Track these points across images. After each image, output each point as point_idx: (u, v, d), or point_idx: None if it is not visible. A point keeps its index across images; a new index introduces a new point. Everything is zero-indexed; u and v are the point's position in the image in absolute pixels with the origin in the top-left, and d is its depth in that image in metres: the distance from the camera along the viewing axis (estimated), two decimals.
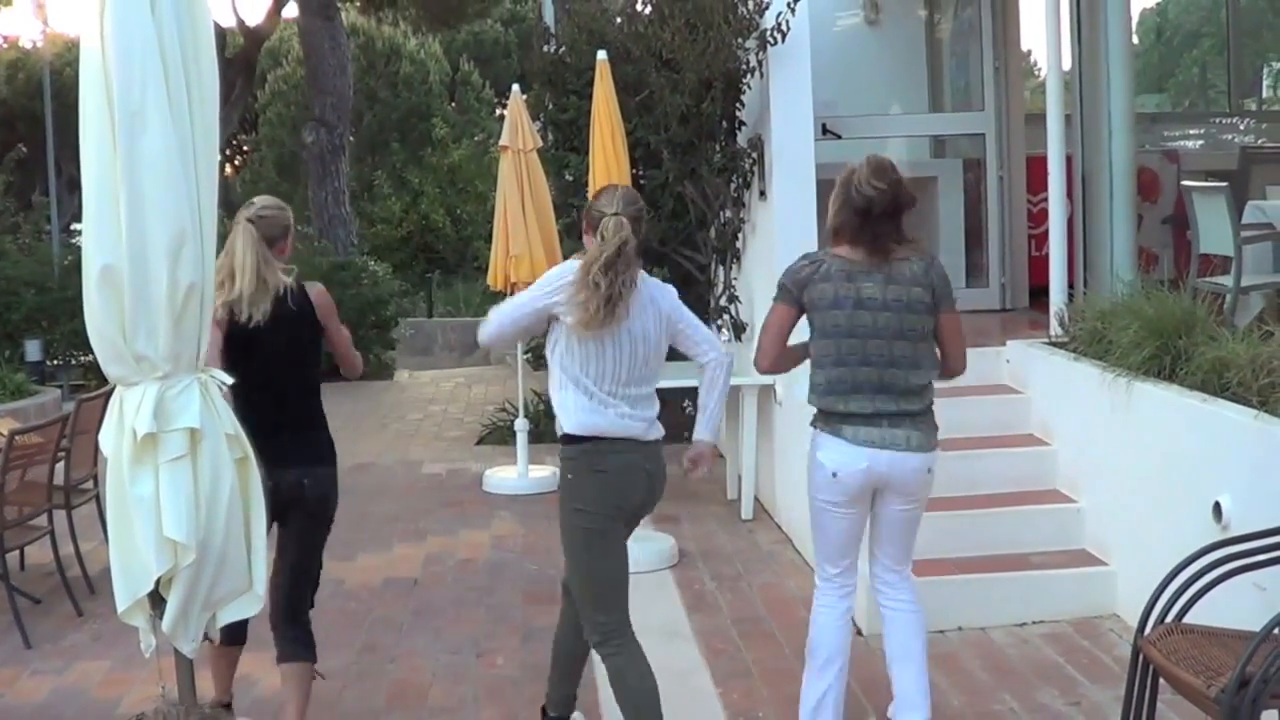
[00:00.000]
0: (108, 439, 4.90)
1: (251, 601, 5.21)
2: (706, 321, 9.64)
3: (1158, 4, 22.84)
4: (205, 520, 4.86)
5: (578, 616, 5.87)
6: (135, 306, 4.68)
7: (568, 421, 5.60)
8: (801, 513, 8.89)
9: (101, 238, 4.70)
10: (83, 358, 17.77)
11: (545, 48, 12.57)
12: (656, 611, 6.32)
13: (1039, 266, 11.36)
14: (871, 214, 5.63)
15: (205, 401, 4.88)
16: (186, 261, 4.71)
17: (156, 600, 4.96)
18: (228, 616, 5.17)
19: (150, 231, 4.66)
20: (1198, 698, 4.94)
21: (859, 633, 6.43)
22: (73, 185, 17.55)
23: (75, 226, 24.16)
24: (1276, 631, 4.99)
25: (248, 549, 5.13)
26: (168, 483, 4.79)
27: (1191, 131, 15.85)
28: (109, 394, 5.03)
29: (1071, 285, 9.78)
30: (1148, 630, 5.35)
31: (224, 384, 5.04)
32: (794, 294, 5.78)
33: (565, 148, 12.15)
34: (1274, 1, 17.59)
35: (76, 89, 4.75)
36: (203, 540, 4.85)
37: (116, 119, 4.63)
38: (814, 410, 5.86)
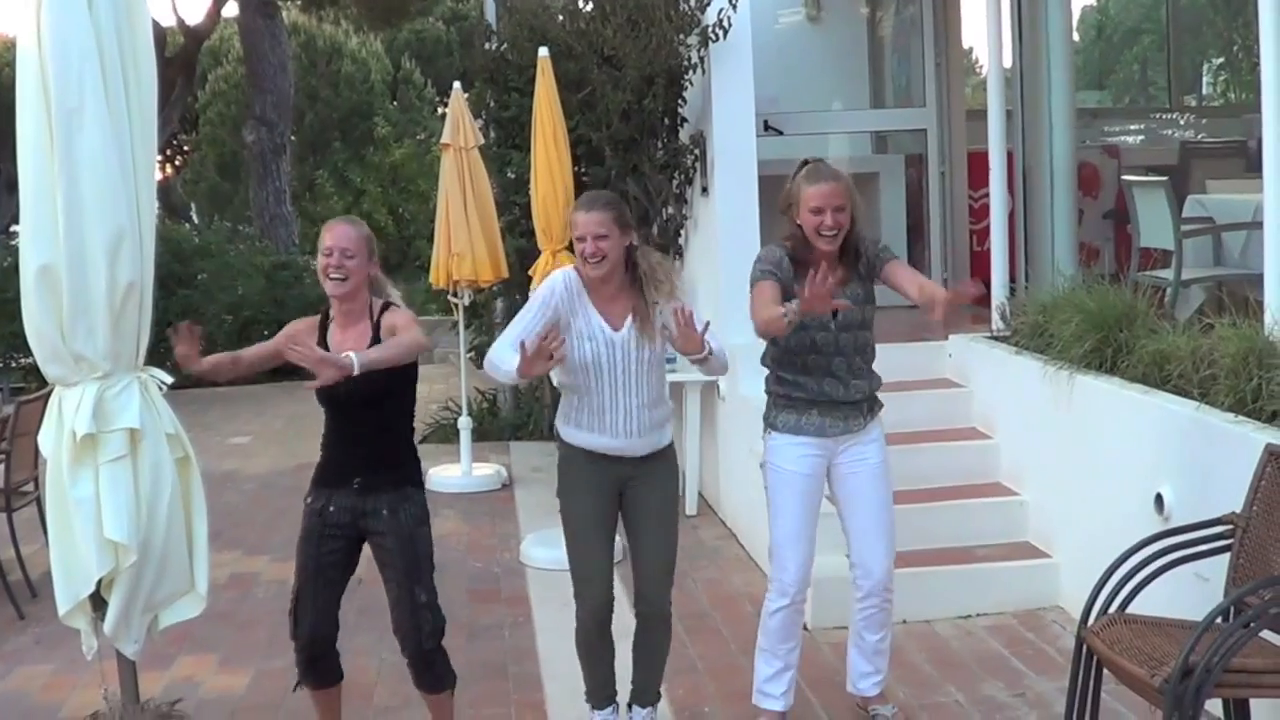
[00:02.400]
0: (47, 440, 4.87)
1: (194, 602, 5.19)
2: None
3: (1098, 1, 22.93)
4: (146, 521, 4.84)
5: (605, 618, 5.91)
6: (74, 306, 4.66)
7: None
8: (746, 508, 8.92)
9: (39, 237, 4.67)
10: (22, 360, 17.62)
11: (487, 45, 12.52)
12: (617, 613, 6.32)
13: (981, 261, 11.40)
14: None
15: (145, 401, 4.86)
16: (125, 260, 4.69)
17: (98, 602, 4.94)
18: (170, 618, 5.15)
19: (88, 230, 4.63)
20: (1141, 687, 4.97)
21: (805, 627, 6.43)
22: (11, 186, 17.40)
23: (14, 229, 23.97)
24: (1219, 621, 5.03)
25: (189, 549, 5.10)
26: (108, 483, 4.76)
27: (1132, 127, 15.96)
28: (49, 395, 4.99)
29: (1013, 280, 9.83)
30: (1091, 621, 5.38)
31: (163, 383, 5.01)
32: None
33: (507, 145, 12.10)
34: None
35: (13, 89, 4.71)
36: (144, 541, 4.83)
37: (54, 118, 4.61)
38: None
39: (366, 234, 5.66)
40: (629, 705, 6.10)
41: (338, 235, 5.54)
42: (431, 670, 5.78)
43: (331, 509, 5.65)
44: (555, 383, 5.99)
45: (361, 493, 5.64)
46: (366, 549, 5.78)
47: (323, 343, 5.55)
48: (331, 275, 5.52)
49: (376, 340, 5.55)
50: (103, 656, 5.13)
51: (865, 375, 6.01)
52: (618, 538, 6.01)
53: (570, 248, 5.82)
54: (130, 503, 4.79)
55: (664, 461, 5.96)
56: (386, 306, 5.69)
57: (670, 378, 9.77)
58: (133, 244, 4.72)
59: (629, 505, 5.90)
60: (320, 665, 5.79)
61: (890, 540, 6.13)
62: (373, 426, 5.65)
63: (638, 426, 5.75)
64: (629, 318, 5.68)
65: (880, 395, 6.17)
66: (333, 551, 5.69)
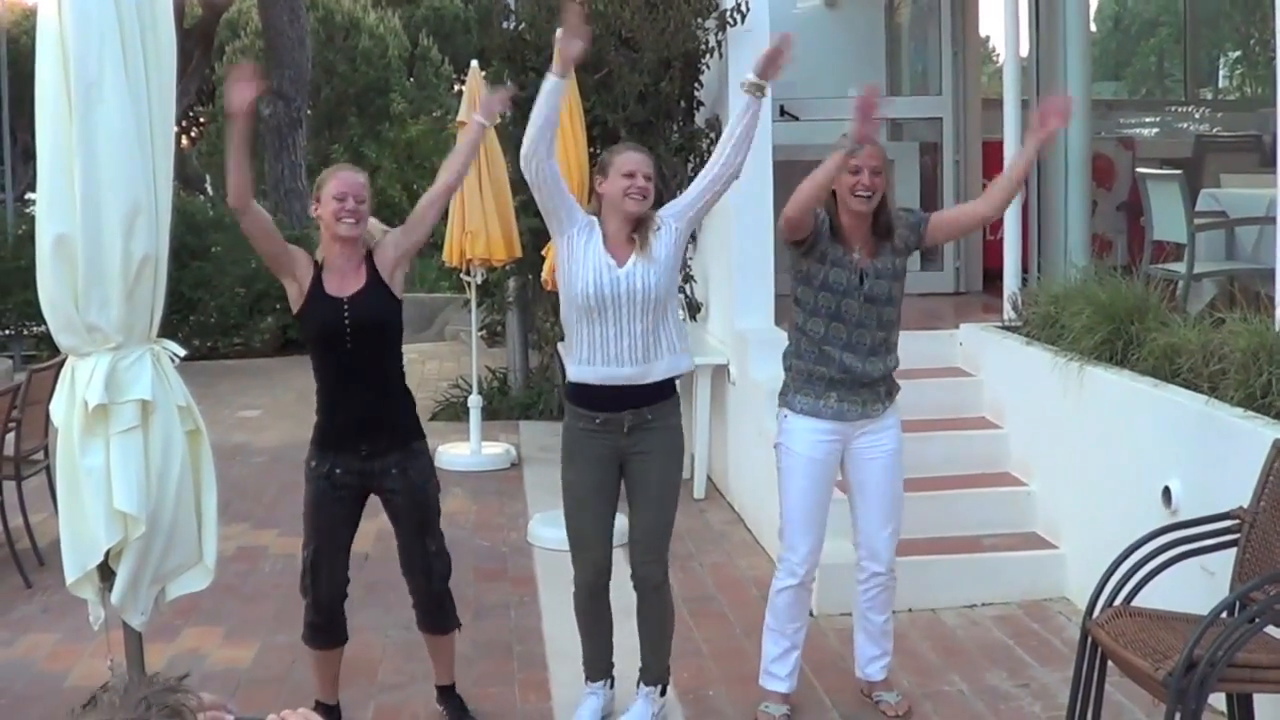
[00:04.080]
0: (58, 409, 4.89)
1: (201, 574, 5.21)
2: None
3: None
4: (156, 492, 4.85)
5: (599, 583, 6.05)
6: (88, 277, 4.67)
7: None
8: (754, 493, 8.93)
9: (55, 208, 4.68)
10: (35, 328, 17.61)
11: (505, 24, 12.52)
12: (616, 590, 6.34)
13: (993, 250, 11.40)
14: None
15: (157, 373, 4.87)
16: (140, 233, 4.70)
17: (106, 573, 4.95)
18: (177, 590, 5.16)
19: (105, 202, 4.64)
20: (1145, 680, 4.98)
21: (811, 613, 6.45)
22: (28, 154, 17.42)
23: (30, 196, 23.97)
24: (1224, 615, 5.04)
25: (198, 522, 5.12)
26: (118, 454, 4.77)
27: (1147, 119, 15.93)
28: (61, 364, 5.00)
29: (1025, 270, 9.83)
30: (1096, 613, 5.39)
31: (175, 355, 5.02)
32: None
33: (523, 125, 12.01)
34: None
35: (33, 57, 4.72)
36: (153, 513, 4.84)
37: (73, 90, 4.61)
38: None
39: (365, 178, 5.87)
40: (637, 684, 6.13)
41: (348, 182, 5.71)
42: (441, 609, 6.06)
43: (339, 471, 5.78)
44: (562, 317, 6.03)
45: (368, 458, 5.77)
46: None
47: (319, 293, 5.69)
48: (344, 219, 5.66)
49: (376, 279, 5.75)
50: (109, 627, 5.14)
51: (883, 354, 6.01)
52: (620, 515, 6.04)
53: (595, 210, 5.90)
54: (140, 474, 4.80)
55: (665, 435, 5.97)
56: (368, 250, 5.85)
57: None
58: (149, 217, 4.73)
59: (630, 478, 5.97)
60: (334, 625, 5.98)
61: (896, 524, 6.17)
62: (375, 370, 5.79)
63: (644, 353, 5.81)
64: (632, 255, 5.78)
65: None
66: (343, 513, 5.86)
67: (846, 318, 5.90)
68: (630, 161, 5.80)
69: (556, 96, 5.74)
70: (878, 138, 5.97)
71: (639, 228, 5.80)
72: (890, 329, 6.04)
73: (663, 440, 5.95)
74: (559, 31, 5.70)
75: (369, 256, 5.80)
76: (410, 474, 5.84)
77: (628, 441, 5.86)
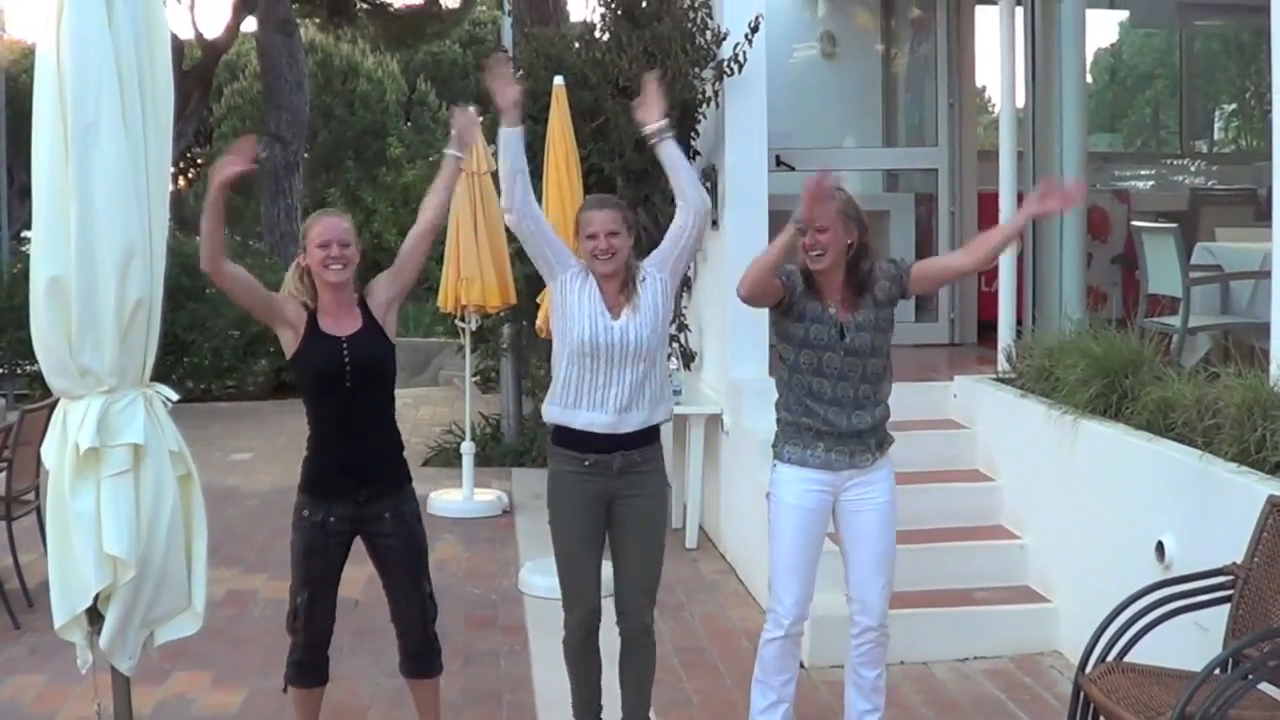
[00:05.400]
0: (50, 452, 4.87)
1: (190, 620, 5.18)
2: None
3: (1113, 44, 22.98)
4: (146, 537, 4.83)
5: (591, 626, 6.03)
6: (82, 319, 4.66)
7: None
8: (746, 543, 8.91)
9: (50, 249, 4.68)
10: (28, 367, 17.58)
11: None
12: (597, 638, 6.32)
13: (988, 302, 11.41)
14: None
15: (150, 417, 4.86)
16: (135, 276, 4.69)
17: (95, 616, 4.93)
18: (166, 635, 5.14)
19: (100, 245, 4.64)
20: None
21: (801, 665, 6.42)
22: (24, 193, 17.41)
23: (26, 234, 23.97)
24: (1217, 672, 5.02)
25: (188, 567, 5.10)
26: (109, 498, 4.76)
27: (1143, 172, 15.97)
28: (54, 405, 4.99)
29: (1020, 322, 9.83)
30: (1089, 668, 5.37)
31: (168, 399, 5.01)
32: None
33: None
34: (1227, 45, 17.75)
35: (32, 96, 4.72)
36: (143, 557, 4.83)
37: (70, 131, 4.62)
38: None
39: (350, 222, 5.83)
40: None
41: (332, 228, 5.67)
42: (430, 650, 6.02)
43: (332, 519, 5.73)
44: (554, 359, 6.04)
45: (364, 503, 5.75)
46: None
47: (316, 333, 5.66)
48: (331, 265, 5.61)
49: (371, 320, 5.74)
50: (97, 670, 5.12)
51: (870, 407, 5.94)
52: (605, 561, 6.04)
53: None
54: (131, 518, 4.79)
55: (652, 479, 5.99)
56: (360, 291, 5.83)
57: (675, 410, 9.80)
58: (143, 260, 4.72)
59: (618, 522, 5.96)
60: (321, 664, 5.95)
61: (889, 577, 6.09)
62: (373, 413, 5.78)
63: (628, 402, 5.81)
64: (626, 308, 5.80)
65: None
66: (335, 559, 5.83)
67: (829, 372, 5.86)
68: (590, 223, 5.82)
69: (514, 146, 5.82)
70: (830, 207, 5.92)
71: (626, 280, 5.79)
72: (877, 381, 5.97)
73: (651, 483, 5.98)
74: (489, 81, 5.73)
75: (362, 300, 5.78)
76: (404, 517, 5.83)
77: (618, 484, 5.87)
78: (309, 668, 5.93)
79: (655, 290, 5.85)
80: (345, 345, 5.64)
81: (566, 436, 5.90)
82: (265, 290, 5.72)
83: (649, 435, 5.92)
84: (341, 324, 5.69)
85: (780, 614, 6.01)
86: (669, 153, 5.97)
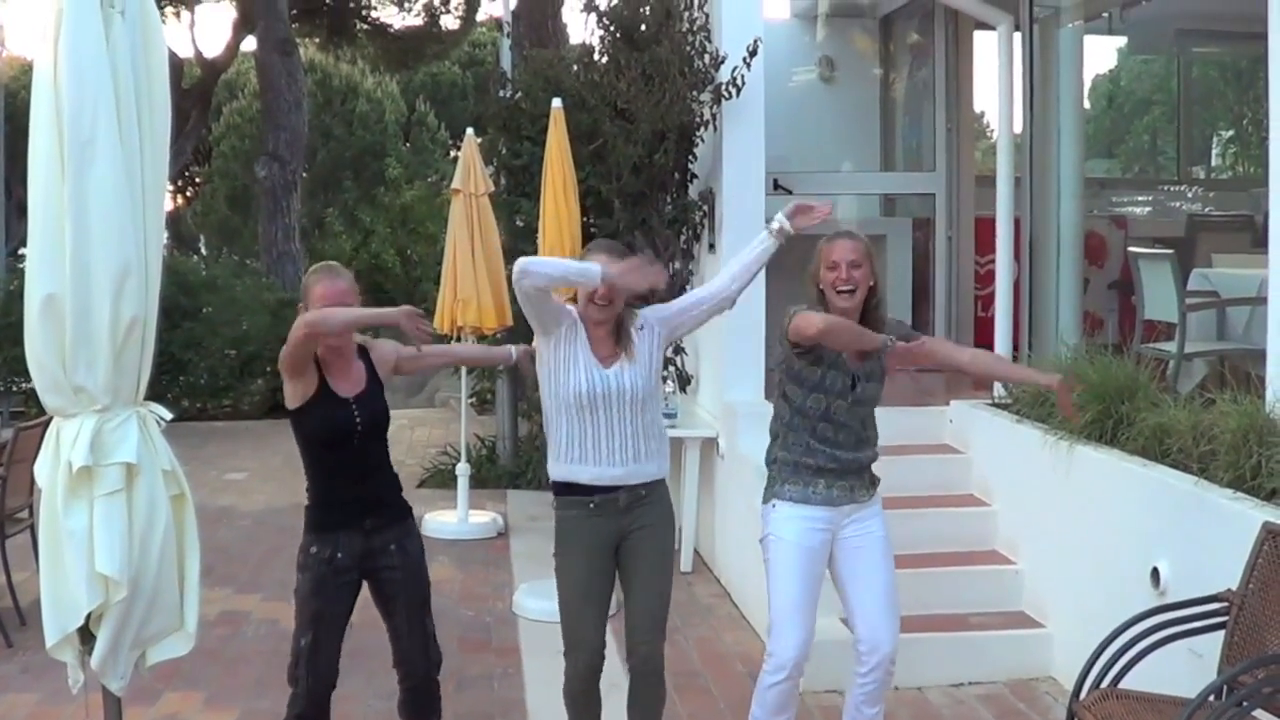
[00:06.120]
0: (43, 470, 4.85)
1: (183, 640, 5.15)
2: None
3: (1111, 70, 23.02)
4: (138, 556, 4.81)
5: (592, 679, 5.93)
6: (76, 338, 4.64)
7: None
8: (741, 567, 8.89)
9: (45, 267, 4.66)
10: (24, 384, 17.58)
11: (501, 92, 12.59)
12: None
13: (985, 327, 11.42)
14: None
15: (143, 436, 4.83)
16: (130, 294, 4.67)
17: (86, 636, 4.90)
18: (158, 655, 5.11)
19: (95, 263, 4.62)
20: None
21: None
22: (22, 209, 17.36)
23: (23, 251, 23.97)
24: (1211, 699, 5.01)
25: (180, 587, 5.07)
26: (102, 517, 4.73)
27: (1140, 198, 15.98)
28: (48, 423, 4.97)
29: (1016, 347, 9.83)
30: (1083, 694, 5.36)
31: (162, 418, 4.99)
32: None
33: (517, 193, 12.13)
34: (1225, 71, 17.77)
35: (29, 114, 4.71)
36: (135, 577, 4.80)
37: (66, 148, 4.60)
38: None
39: (351, 279, 5.79)
40: None
41: (335, 290, 5.64)
42: (432, 696, 5.94)
43: (340, 555, 5.70)
44: (545, 417, 6.01)
45: (370, 533, 5.72)
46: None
47: (329, 394, 5.67)
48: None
49: (374, 379, 5.76)
50: (88, 690, 5.09)
51: (866, 445, 5.98)
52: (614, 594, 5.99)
53: (574, 297, 5.86)
54: (123, 537, 4.76)
55: (660, 508, 5.93)
56: (360, 346, 5.86)
57: (671, 433, 9.77)
58: (138, 279, 4.71)
59: (625, 557, 5.87)
60: (322, 716, 5.88)
61: (897, 614, 6.00)
62: (376, 460, 5.79)
63: (633, 453, 5.77)
64: (619, 355, 5.76)
65: (881, 458, 6.12)
66: (345, 599, 5.79)
67: (834, 418, 5.84)
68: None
69: (573, 276, 5.69)
70: (855, 234, 5.93)
71: (620, 327, 5.78)
72: (869, 425, 6.01)
73: (659, 512, 5.91)
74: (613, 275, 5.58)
75: (363, 351, 5.83)
76: (409, 549, 5.81)
77: (626, 520, 5.80)
78: (309, 716, 5.85)
79: (651, 340, 5.82)
80: (354, 406, 5.68)
81: (570, 487, 5.86)
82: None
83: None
84: (348, 383, 5.72)
85: (784, 659, 5.89)
86: (761, 251, 5.89)
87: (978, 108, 14.16)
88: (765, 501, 6.04)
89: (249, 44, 26.44)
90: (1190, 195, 15.92)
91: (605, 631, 5.92)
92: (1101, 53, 21.71)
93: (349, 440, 5.66)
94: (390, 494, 5.85)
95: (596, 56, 11.49)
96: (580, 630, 5.86)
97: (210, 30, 78.08)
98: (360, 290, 5.80)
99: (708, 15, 10.55)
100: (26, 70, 28.49)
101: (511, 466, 13.60)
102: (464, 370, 12.00)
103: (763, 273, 8.46)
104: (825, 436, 5.85)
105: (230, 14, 28.05)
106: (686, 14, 10.67)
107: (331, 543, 5.69)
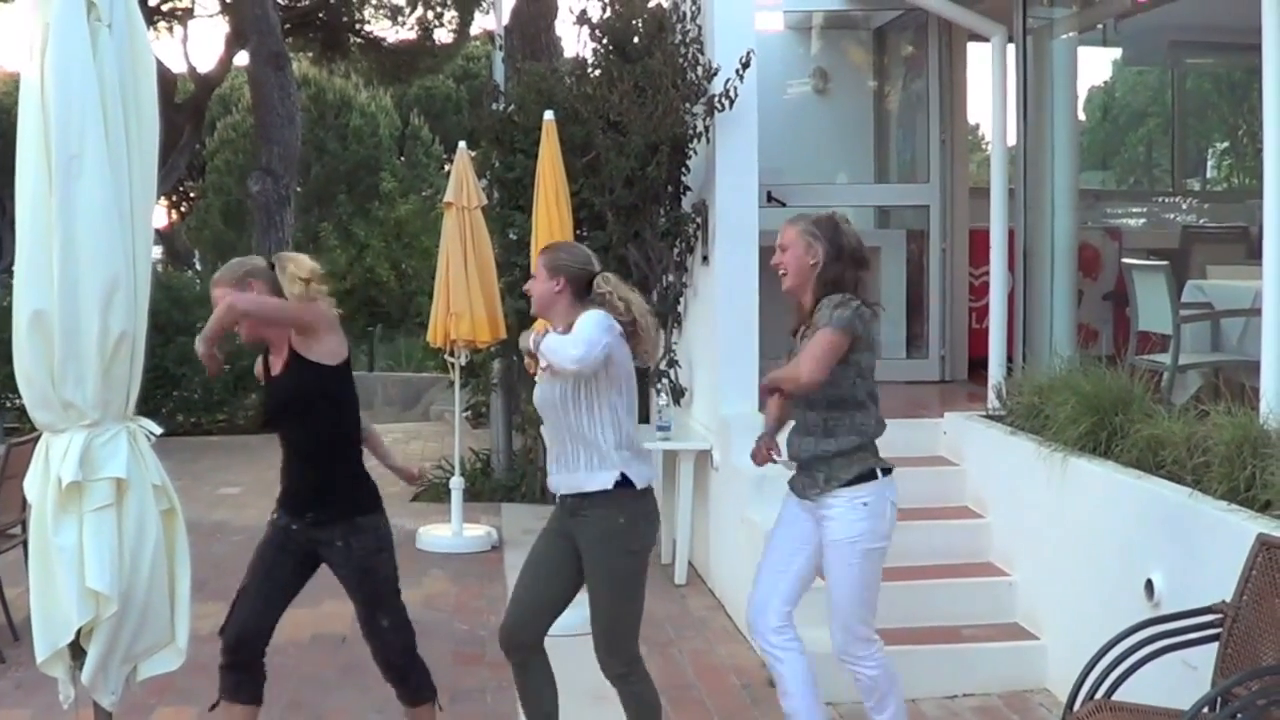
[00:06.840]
0: (33, 486, 4.84)
1: (173, 655, 5.15)
2: (646, 386, 9.63)
3: (1105, 82, 23.06)
4: (129, 571, 4.80)
5: (510, 645, 6.05)
6: (64, 353, 4.63)
7: (640, 474, 5.83)
8: (735, 579, 8.87)
9: (33, 282, 4.65)
10: (17, 400, 17.52)
11: (494, 105, 12.59)
12: (585, 675, 6.26)
13: (979, 339, 11.41)
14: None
15: (133, 451, 4.83)
16: (118, 309, 4.67)
17: (77, 651, 4.89)
18: (148, 670, 5.10)
19: (83, 278, 4.61)
20: None
21: None
22: (14, 224, 17.40)
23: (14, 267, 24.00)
24: (1205, 711, 4.99)
25: (171, 602, 5.07)
26: (92, 532, 4.72)
27: (1134, 210, 16.01)
28: (39, 439, 4.97)
29: (1010, 359, 9.83)
30: (1077, 706, 5.35)
31: (151, 433, 4.98)
32: (862, 332, 5.90)
33: (510, 206, 12.12)
34: (1219, 83, 17.80)
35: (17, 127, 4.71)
36: (125, 592, 4.79)
37: (54, 162, 4.59)
38: (864, 455, 5.98)
39: (234, 281, 6.04)
40: None
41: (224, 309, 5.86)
42: (405, 683, 6.12)
43: (294, 528, 5.94)
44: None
45: (314, 525, 5.90)
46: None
47: (266, 377, 6.01)
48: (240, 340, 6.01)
49: (294, 357, 5.87)
50: (79, 705, 5.08)
51: (815, 435, 5.93)
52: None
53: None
54: (113, 552, 4.75)
55: (600, 526, 5.82)
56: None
57: (665, 446, 9.79)
58: (127, 293, 4.70)
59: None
60: (240, 674, 6.07)
61: (845, 617, 6.04)
62: (296, 448, 5.98)
63: (567, 464, 5.86)
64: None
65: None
66: (286, 562, 5.99)
67: (796, 398, 5.98)
68: None
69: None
70: (797, 219, 6.12)
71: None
72: (827, 409, 5.91)
73: (601, 530, 5.81)
74: None
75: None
76: (353, 548, 5.89)
77: (571, 524, 5.89)
78: (230, 672, 6.05)
79: None
80: (269, 389, 5.99)
81: None
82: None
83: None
84: (275, 363, 5.97)
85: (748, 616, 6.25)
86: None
87: (972, 120, 14.17)
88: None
89: (242, 58, 26.42)
90: (1185, 207, 15.95)
91: (539, 604, 6.00)
92: (1096, 64, 21.76)
93: (270, 423, 5.99)
94: (329, 488, 5.94)
95: (589, 69, 11.49)
96: (518, 586, 6.07)
97: (203, 45, 78.28)
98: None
99: (700, 27, 10.54)
100: (13, 84, 28.51)
101: (506, 480, 13.57)
102: (458, 384, 11.97)
103: (755, 286, 8.53)
104: (795, 418, 6.11)
105: (223, 28, 28.04)
106: (679, 26, 10.66)
107: (286, 517, 5.98)
